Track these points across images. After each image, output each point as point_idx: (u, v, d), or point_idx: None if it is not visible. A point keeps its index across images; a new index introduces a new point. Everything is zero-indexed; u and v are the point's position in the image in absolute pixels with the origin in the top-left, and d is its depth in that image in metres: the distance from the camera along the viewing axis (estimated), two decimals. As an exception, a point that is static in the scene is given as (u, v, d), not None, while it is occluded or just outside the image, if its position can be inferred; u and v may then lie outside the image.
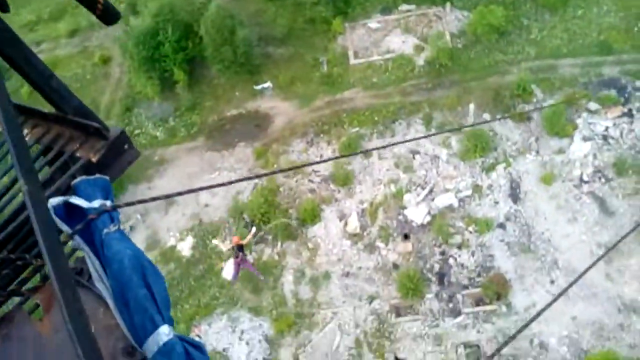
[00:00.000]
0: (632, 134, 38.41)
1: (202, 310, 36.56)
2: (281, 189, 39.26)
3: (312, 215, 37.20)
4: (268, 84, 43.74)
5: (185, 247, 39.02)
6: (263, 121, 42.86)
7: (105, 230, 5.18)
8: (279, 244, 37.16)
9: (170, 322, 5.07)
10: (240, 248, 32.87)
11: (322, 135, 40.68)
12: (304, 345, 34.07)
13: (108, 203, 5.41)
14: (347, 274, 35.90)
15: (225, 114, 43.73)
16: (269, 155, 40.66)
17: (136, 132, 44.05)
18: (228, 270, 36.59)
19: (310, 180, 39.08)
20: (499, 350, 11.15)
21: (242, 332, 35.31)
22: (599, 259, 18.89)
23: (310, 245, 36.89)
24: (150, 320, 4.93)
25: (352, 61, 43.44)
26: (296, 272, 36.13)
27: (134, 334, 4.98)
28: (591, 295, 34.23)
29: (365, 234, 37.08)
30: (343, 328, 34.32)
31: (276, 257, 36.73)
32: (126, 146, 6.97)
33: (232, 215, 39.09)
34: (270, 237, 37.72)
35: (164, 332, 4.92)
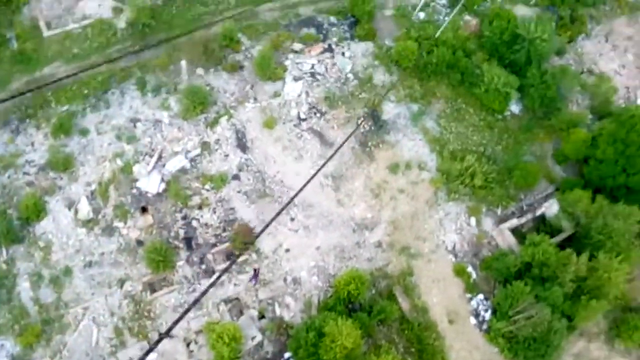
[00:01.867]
0: (335, 68, 41.57)
1: None
2: (-9, 189, 35.18)
3: (36, 211, 34.06)
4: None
5: None
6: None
7: None
8: (4, 251, 33.47)
9: None
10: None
11: (28, 120, 37.00)
12: (59, 351, 31.72)
13: None
14: (90, 264, 33.93)
15: None
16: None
17: None
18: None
19: (26, 173, 35.55)
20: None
21: (-19, 359, 31.67)
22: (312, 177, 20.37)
23: (41, 243, 33.92)
24: None
25: (46, 33, 39.75)
26: (32, 277, 33.08)
27: None
28: (328, 223, 37.20)
29: (100, 217, 35.18)
30: (98, 321, 32.65)
31: (4, 267, 33.13)
32: None
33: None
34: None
35: None
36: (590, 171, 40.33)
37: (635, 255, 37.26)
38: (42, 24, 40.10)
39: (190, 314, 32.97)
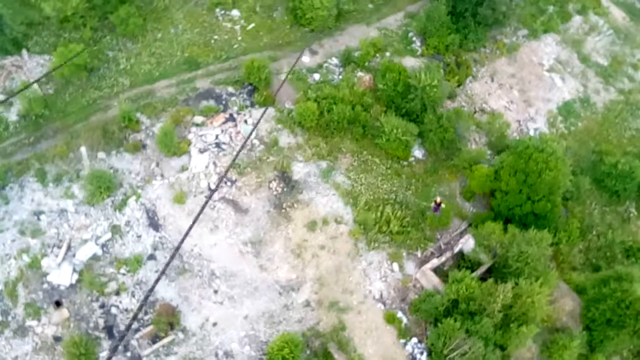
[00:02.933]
0: (239, 136, 42.19)
1: None
2: None
3: (-62, 322, 31.98)
4: None
5: None
6: None
7: None
8: None
9: None
10: None
11: None
12: None
13: None
14: (3, 371, 32.07)
15: None
16: None
17: None
18: None
19: None
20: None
21: None
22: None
23: (-55, 356, 31.79)
24: None
25: None
26: (-64, 396, 30.79)
27: None
28: (253, 290, 36.93)
29: (10, 318, 33.41)
30: None
31: None
32: None
33: None
34: None
35: None
36: (497, 203, 42.41)
37: (552, 277, 38.99)
38: None
39: (120, 406, 31.51)
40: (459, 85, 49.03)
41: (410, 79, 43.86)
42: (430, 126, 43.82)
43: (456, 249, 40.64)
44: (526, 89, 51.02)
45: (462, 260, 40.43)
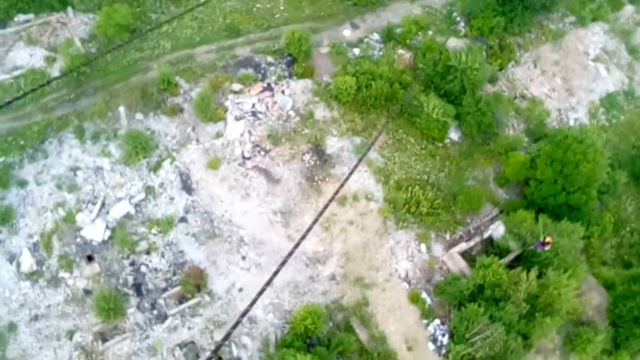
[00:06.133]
0: (275, 106, 43.29)
1: None
2: None
3: (-24, 266, 33.98)
4: None
5: None
6: None
7: None
8: (-57, 309, 33.18)
9: None
10: None
11: (-39, 174, 37.08)
12: (6, 410, 31.43)
13: None
14: (36, 317, 33.86)
15: None
16: None
17: None
18: None
19: (-39, 228, 35.51)
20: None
21: None
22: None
23: (-18, 299, 33.77)
24: None
25: (-25, 85, 40.15)
26: (-27, 336, 32.83)
27: None
28: (280, 259, 38.06)
29: (44, 268, 35.27)
30: (48, 375, 32.55)
31: (-57, 326, 32.81)
32: None
33: None
34: None
35: None
36: (531, 192, 42.98)
37: (581, 270, 39.65)
38: (-30, 76, 40.53)
39: (145, 362, 33.43)
40: (500, 69, 49.41)
41: (451, 60, 44.40)
42: (469, 109, 44.43)
43: (486, 235, 41.46)
44: (569, 78, 51.20)
45: (490, 246, 41.24)
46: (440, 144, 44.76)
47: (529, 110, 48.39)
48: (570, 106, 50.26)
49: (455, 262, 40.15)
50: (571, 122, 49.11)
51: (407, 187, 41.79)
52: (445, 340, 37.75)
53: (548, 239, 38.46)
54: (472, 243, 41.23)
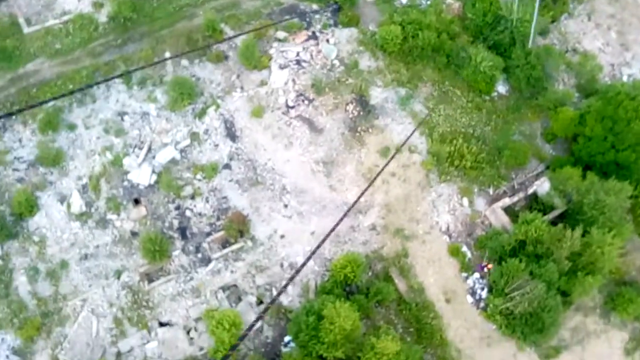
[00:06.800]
0: (320, 55, 43.26)
1: None
2: (-19, 187, 36.46)
3: (28, 206, 35.39)
4: None
5: None
6: None
7: None
8: (-2, 246, 34.87)
9: None
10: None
11: (14, 117, 38.24)
12: (60, 343, 33.13)
13: None
14: (86, 256, 35.35)
15: None
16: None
17: None
18: None
19: (15, 169, 36.89)
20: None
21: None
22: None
23: (35, 238, 35.28)
24: None
25: (26, 29, 41.02)
26: (29, 271, 34.44)
27: None
28: (321, 208, 38.87)
29: (93, 210, 36.60)
30: (97, 312, 34.07)
31: (0, 262, 34.39)
32: None
33: None
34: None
35: None
36: (579, 149, 42.31)
37: (627, 229, 39.24)
38: (21, 20, 41.36)
39: (189, 302, 34.64)
40: (552, 22, 48.16)
41: (501, 10, 43.49)
42: (518, 62, 43.68)
43: (530, 191, 41.23)
44: (625, 32, 49.66)
45: (534, 203, 41.03)
46: (487, 97, 44.24)
47: (581, 65, 47.27)
48: (624, 61, 48.88)
49: (497, 217, 40.17)
50: (624, 78, 47.84)
51: (451, 140, 41.63)
52: (484, 294, 38.11)
53: (490, 266, 38.33)
54: (515, 198, 41.08)
